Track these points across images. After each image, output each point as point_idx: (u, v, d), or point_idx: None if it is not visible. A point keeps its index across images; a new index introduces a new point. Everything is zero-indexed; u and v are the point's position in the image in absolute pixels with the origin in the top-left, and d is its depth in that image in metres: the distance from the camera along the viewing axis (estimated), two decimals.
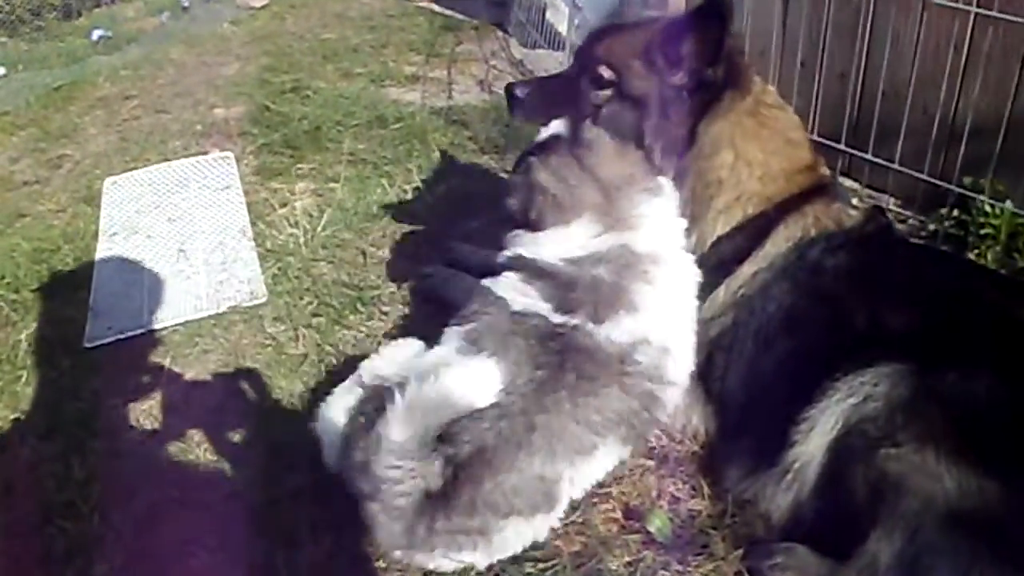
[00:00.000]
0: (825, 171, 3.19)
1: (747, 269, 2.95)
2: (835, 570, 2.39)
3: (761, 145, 3.02)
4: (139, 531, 2.90)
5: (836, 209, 3.01)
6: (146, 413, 3.40)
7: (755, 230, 2.97)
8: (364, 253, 4.26)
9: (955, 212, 4.06)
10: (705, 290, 2.92)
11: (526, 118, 3.33)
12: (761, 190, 2.99)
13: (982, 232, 3.92)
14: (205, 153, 5.46)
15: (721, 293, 2.96)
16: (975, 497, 2.24)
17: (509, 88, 3.34)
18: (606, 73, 3.03)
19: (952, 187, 3.99)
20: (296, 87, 6.49)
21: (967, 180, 3.99)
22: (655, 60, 2.96)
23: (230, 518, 2.90)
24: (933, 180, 4.07)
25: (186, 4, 9.06)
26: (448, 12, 8.07)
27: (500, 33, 7.43)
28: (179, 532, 2.87)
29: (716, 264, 2.97)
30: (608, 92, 3.05)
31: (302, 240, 4.36)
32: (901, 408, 2.41)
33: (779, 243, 2.94)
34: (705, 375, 2.95)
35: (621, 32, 3.13)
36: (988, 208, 3.88)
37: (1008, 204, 3.84)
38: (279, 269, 4.17)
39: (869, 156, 4.29)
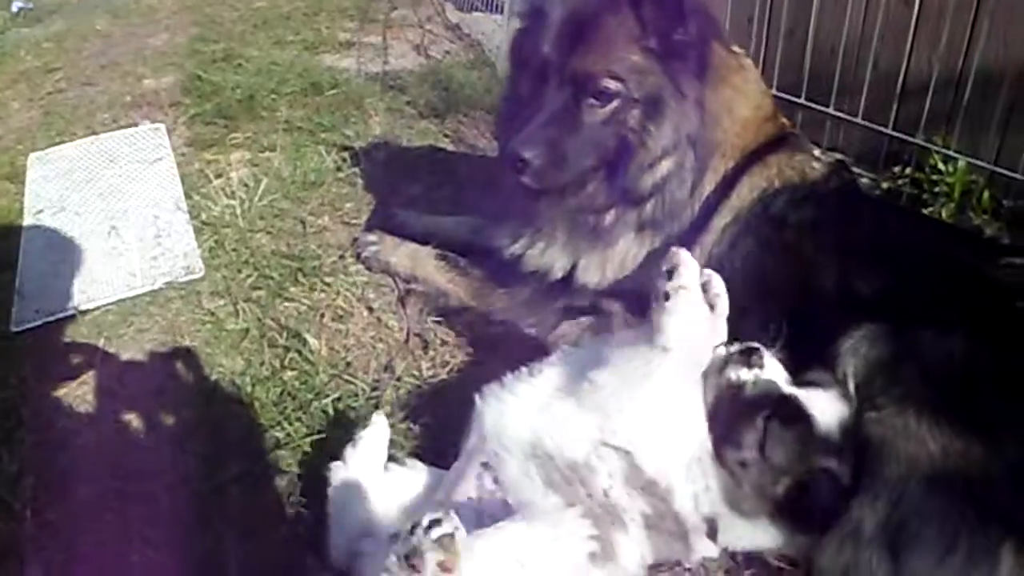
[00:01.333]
0: (785, 121, 3.13)
1: (717, 223, 2.91)
2: (818, 540, 2.32)
3: (744, 100, 2.98)
4: (77, 527, 2.75)
5: (799, 160, 2.97)
6: (80, 399, 3.26)
7: (726, 183, 2.91)
8: (303, 222, 4.14)
9: (908, 170, 4.05)
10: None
11: (544, 186, 2.95)
12: (738, 142, 2.96)
13: (936, 190, 3.91)
14: (135, 125, 5.30)
15: (696, 254, 2.88)
16: (960, 459, 2.18)
17: (513, 152, 2.84)
18: (612, 86, 2.77)
19: (912, 139, 3.97)
20: (228, 56, 6.34)
21: (920, 138, 3.98)
22: (653, 46, 2.77)
23: (174, 508, 2.76)
24: (891, 132, 4.06)
25: None
26: None
27: None
28: (121, 526, 2.73)
29: (697, 222, 2.93)
30: (615, 103, 2.80)
31: (239, 211, 4.23)
32: (879, 369, 2.35)
33: (744, 195, 2.90)
34: None
35: (593, 31, 2.81)
36: (942, 166, 3.87)
37: (961, 162, 3.83)
38: (216, 242, 4.04)
39: (826, 109, 4.31)
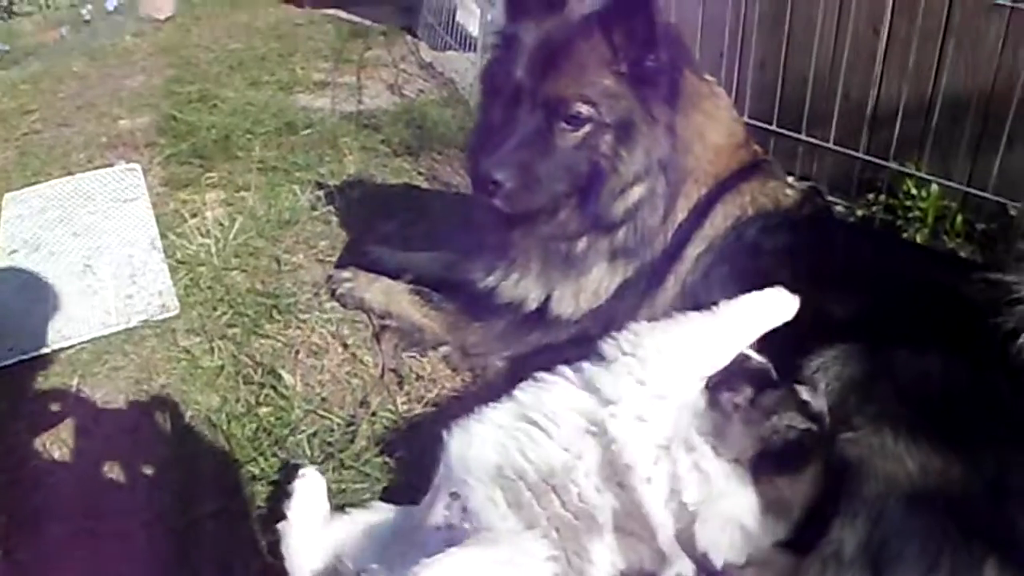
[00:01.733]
0: (758, 148, 3.17)
1: (690, 252, 2.94)
2: (799, 563, 2.32)
3: (716, 127, 3.02)
4: (49, 567, 2.72)
5: (772, 187, 3.01)
6: (54, 437, 3.22)
7: (699, 211, 2.94)
8: (278, 260, 4.15)
9: (881, 197, 4.11)
10: (655, 279, 2.92)
11: (516, 209, 2.96)
12: (710, 169, 2.99)
13: (910, 215, 3.98)
14: (110, 165, 5.29)
15: (670, 283, 2.92)
16: (939, 477, 2.18)
17: (485, 174, 2.84)
18: (584, 109, 2.79)
19: (886, 163, 4.06)
20: (203, 97, 6.36)
21: (892, 165, 4.04)
22: (625, 71, 2.81)
23: (149, 545, 2.74)
24: (864, 157, 4.15)
25: (87, 18, 8.85)
26: (356, 19, 8.05)
27: (409, 37, 7.45)
28: (94, 565, 2.71)
29: (670, 250, 2.96)
30: (587, 128, 2.82)
31: (214, 250, 4.22)
32: (854, 389, 2.37)
33: (717, 223, 2.94)
34: None
35: (565, 56, 2.84)
36: (915, 191, 3.92)
37: (934, 187, 3.92)
38: (191, 280, 4.04)
39: (799, 135, 4.39)
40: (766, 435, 2.24)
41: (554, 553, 2.07)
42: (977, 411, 2.25)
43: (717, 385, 2.33)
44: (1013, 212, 3.68)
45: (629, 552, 2.21)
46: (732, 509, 2.25)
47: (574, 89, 2.79)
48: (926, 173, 4.00)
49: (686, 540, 2.25)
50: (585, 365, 2.41)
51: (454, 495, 2.25)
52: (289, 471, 2.80)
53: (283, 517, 2.48)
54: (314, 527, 2.46)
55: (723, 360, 2.38)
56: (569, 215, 2.96)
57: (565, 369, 2.44)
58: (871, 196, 4.23)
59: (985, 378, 2.29)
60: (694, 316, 2.46)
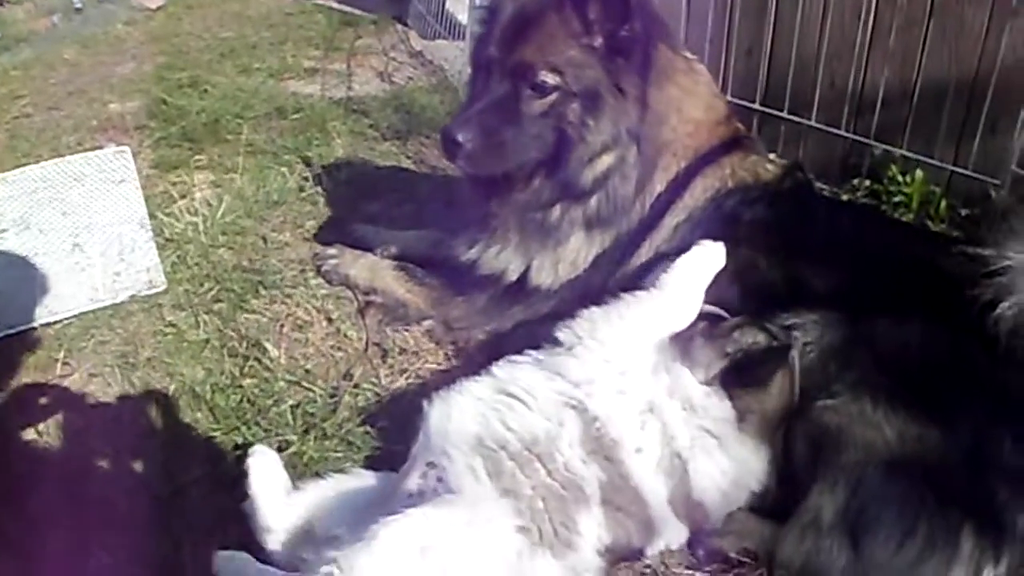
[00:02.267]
0: (740, 125, 3.20)
1: (669, 222, 2.98)
2: (778, 531, 2.35)
3: (694, 101, 3.06)
4: (32, 534, 2.72)
5: (752, 162, 3.05)
6: (40, 408, 3.26)
7: (678, 182, 2.97)
8: (265, 239, 4.18)
9: (867, 182, 4.14)
10: (631, 247, 2.95)
11: (478, 171, 3.07)
12: (689, 143, 3.03)
13: (895, 200, 4.02)
14: (100, 148, 5.28)
15: (644, 249, 2.95)
16: (916, 444, 2.23)
17: (448, 134, 2.91)
18: (550, 79, 2.85)
19: (871, 142, 4.11)
20: (194, 82, 6.36)
21: (877, 151, 4.08)
22: (593, 43, 2.85)
23: (132, 512, 2.78)
24: (847, 135, 4.21)
25: (79, 5, 8.83)
26: (346, 8, 8.02)
27: (399, 26, 7.44)
28: (76, 532, 2.71)
29: (648, 220, 2.99)
30: (554, 96, 2.87)
31: (201, 228, 4.25)
32: (833, 355, 2.42)
33: (697, 195, 2.97)
34: None
35: (536, 26, 2.90)
36: (900, 177, 3.95)
37: (919, 172, 3.97)
38: (178, 257, 4.06)
39: (783, 114, 4.42)
40: (732, 350, 2.35)
41: (522, 524, 2.12)
42: (955, 380, 2.30)
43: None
44: (993, 194, 3.71)
45: (616, 527, 2.25)
46: (717, 428, 2.34)
47: (540, 57, 2.84)
48: (911, 159, 4.03)
49: (681, 499, 2.31)
50: (543, 356, 2.48)
51: (431, 464, 2.30)
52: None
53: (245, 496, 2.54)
54: (277, 498, 2.51)
55: (679, 325, 2.48)
56: (542, 182, 3.01)
57: (532, 352, 2.51)
58: (855, 181, 4.27)
59: (963, 348, 2.33)
60: (642, 296, 2.53)
